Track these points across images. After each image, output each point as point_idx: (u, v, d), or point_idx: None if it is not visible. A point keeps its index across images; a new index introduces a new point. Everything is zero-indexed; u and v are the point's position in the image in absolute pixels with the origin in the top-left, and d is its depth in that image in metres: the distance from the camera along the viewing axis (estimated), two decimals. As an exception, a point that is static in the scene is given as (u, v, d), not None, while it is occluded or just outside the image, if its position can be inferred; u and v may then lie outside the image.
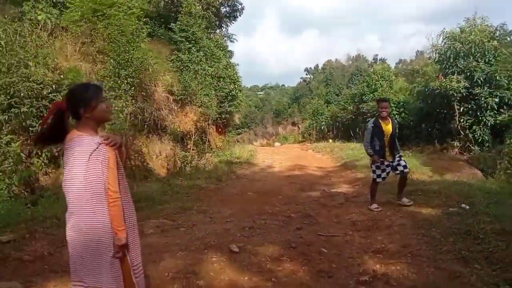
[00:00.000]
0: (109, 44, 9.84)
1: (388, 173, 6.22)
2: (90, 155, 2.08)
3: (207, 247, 4.54)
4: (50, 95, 7.51)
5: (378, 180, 6.20)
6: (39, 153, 7.33)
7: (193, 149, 13.00)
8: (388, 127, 6.09)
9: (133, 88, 9.85)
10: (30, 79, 7.22)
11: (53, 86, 7.59)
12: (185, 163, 11.68)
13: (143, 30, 11.17)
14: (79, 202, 2.08)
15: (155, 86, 11.76)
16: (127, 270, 2.22)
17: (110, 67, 9.53)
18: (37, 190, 7.09)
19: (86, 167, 2.06)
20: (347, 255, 4.34)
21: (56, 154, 7.41)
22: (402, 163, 6.09)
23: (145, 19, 12.01)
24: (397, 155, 6.15)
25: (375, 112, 20.93)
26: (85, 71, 9.17)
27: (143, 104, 10.61)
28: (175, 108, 12.80)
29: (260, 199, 7.84)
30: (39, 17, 9.23)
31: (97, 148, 2.10)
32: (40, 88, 7.36)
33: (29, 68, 7.40)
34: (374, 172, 6.22)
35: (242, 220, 5.95)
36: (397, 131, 6.35)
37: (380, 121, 6.12)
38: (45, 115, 6.91)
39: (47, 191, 6.79)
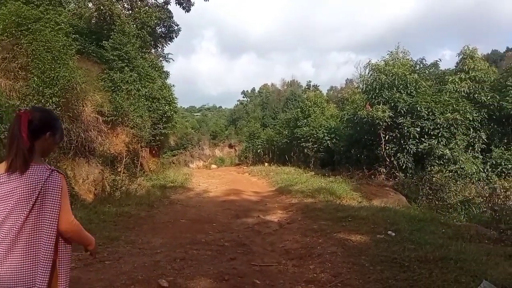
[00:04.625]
0: (33, 61, 9.14)
1: None
2: (43, 184, 1.87)
3: (134, 283, 4.27)
4: (-40, 113, 6.79)
5: None
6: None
7: (124, 173, 12.39)
8: None
9: (59, 108, 9.21)
10: None
11: (-35, 104, 6.87)
12: (114, 187, 11.03)
13: (72, 47, 10.53)
14: (19, 239, 1.83)
15: (83, 106, 11.10)
16: None
17: (34, 85, 8.82)
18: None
19: (37, 198, 1.85)
20: (280, 286, 4.31)
21: None
22: None
23: (74, 35, 11.40)
24: None
25: (308, 137, 21.68)
26: (5, 89, 8.42)
27: (69, 125, 9.94)
28: (105, 129, 12.14)
29: (194, 226, 7.60)
30: (-47, 28, 8.40)
31: (50, 175, 1.91)
32: (-51, 106, 6.63)
33: None
34: None
35: (174, 250, 5.70)
36: None
37: None
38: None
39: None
